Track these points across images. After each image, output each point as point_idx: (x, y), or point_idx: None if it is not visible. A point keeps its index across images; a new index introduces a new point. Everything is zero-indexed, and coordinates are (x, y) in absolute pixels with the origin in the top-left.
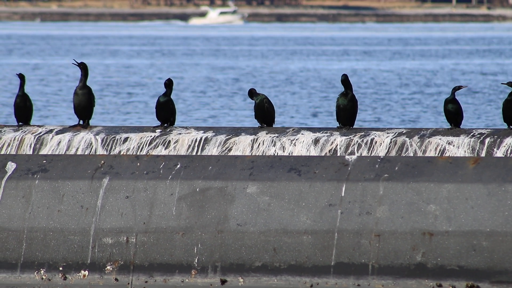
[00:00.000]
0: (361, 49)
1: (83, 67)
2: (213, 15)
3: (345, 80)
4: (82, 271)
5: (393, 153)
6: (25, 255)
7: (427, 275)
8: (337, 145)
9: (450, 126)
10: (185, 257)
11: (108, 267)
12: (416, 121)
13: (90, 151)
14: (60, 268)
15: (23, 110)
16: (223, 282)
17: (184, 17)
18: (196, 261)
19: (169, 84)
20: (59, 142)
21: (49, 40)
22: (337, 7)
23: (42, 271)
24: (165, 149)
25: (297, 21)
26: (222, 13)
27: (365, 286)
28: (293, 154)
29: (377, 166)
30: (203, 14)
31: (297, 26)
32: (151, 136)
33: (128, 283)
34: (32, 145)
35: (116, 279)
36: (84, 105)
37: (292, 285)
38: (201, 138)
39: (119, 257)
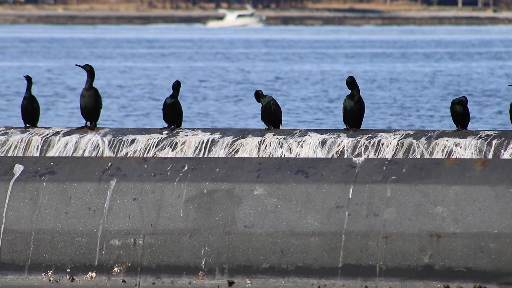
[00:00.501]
0: (381, 52)
1: (89, 69)
2: (231, 18)
3: (350, 82)
4: (90, 273)
5: (400, 155)
6: (33, 257)
7: (434, 276)
8: (344, 147)
9: (456, 128)
10: (193, 258)
11: (116, 269)
12: (428, 124)
13: (97, 153)
14: (68, 270)
15: (30, 112)
16: (231, 283)
17: (190, 20)
18: (203, 262)
19: (177, 86)
20: (66, 143)
21: (67, 43)
22: (343, 10)
23: (50, 273)
24: (172, 151)
25: (302, 24)
26: (240, 16)
27: None
28: (300, 156)
29: (384, 168)
30: (220, 17)
31: (322, 29)
32: (158, 138)
33: (136, 285)
34: (39, 147)
35: (124, 281)
36: (91, 106)
37: (299, 287)
38: (208, 140)
39: (127, 258)
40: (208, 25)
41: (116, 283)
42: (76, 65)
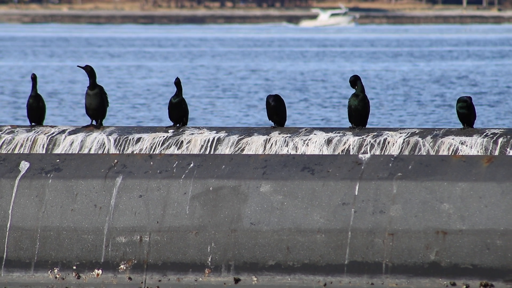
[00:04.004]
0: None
1: (89, 70)
2: (324, 17)
3: (354, 81)
4: (96, 270)
5: (405, 153)
6: (39, 254)
7: (440, 274)
8: (349, 145)
9: (462, 126)
10: (199, 256)
11: (122, 266)
12: (437, 123)
13: (103, 152)
14: (74, 267)
15: (36, 111)
16: (237, 281)
17: (194, 20)
18: (209, 260)
19: (178, 83)
20: (72, 142)
21: (105, 42)
22: (348, 9)
23: (56, 270)
24: (177, 150)
25: None
26: (332, 15)
27: (379, 285)
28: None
29: (390, 164)
30: (314, 17)
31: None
32: (163, 136)
33: (142, 282)
34: (45, 146)
35: (130, 278)
36: (96, 104)
37: (305, 284)
38: (213, 139)
39: (133, 256)
40: (301, 25)
41: (122, 280)
42: (78, 66)
